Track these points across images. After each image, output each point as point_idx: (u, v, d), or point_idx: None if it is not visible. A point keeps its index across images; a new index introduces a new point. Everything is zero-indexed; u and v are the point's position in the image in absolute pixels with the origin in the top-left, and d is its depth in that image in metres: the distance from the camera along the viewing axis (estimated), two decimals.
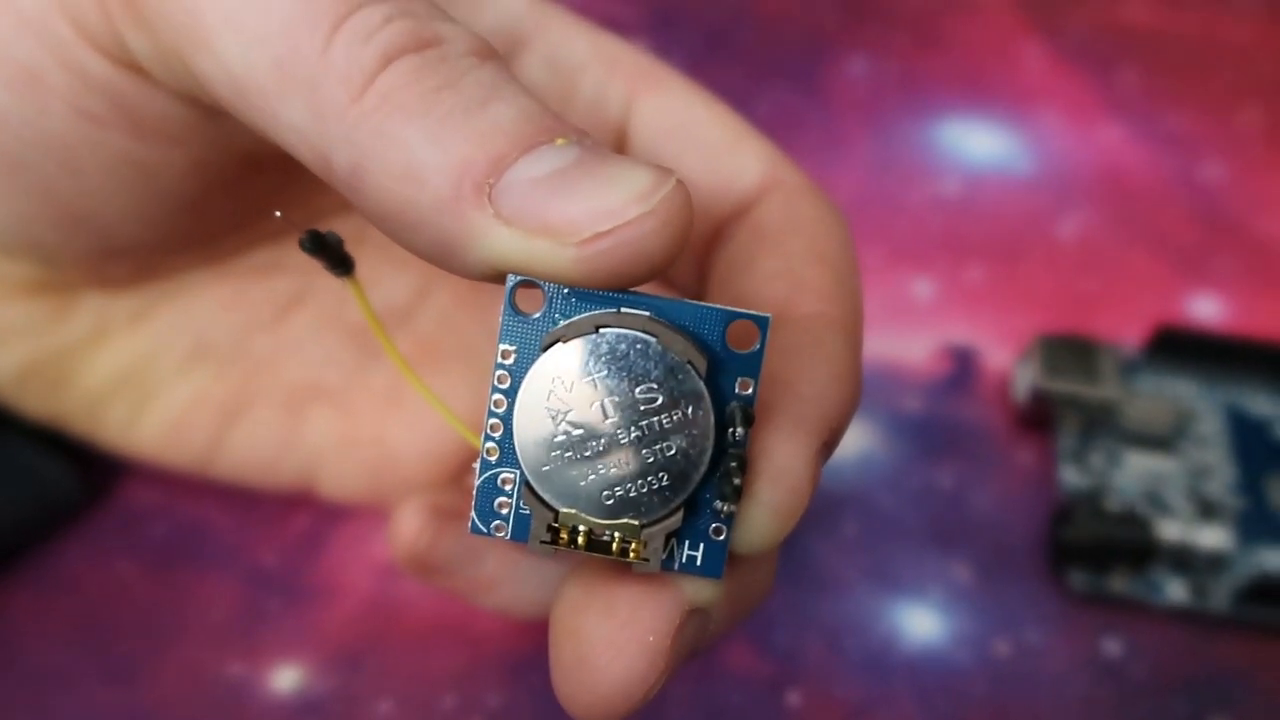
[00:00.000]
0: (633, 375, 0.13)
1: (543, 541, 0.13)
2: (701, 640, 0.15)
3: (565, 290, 0.13)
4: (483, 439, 0.13)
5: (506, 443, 0.13)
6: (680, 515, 0.13)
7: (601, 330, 0.13)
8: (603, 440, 0.13)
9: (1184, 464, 0.25)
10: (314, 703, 0.22)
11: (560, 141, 0.13)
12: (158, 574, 0.24)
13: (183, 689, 0.22)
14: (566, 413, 0.13)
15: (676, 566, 0.14)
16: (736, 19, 0.36)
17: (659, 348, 0.12)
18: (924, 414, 0.27)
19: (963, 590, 0.24)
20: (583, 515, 0.13)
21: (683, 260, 0.18)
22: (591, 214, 0.12)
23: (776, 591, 0.24)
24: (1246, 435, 0.26)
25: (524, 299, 0.13)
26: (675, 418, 0.13)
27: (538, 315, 0.13)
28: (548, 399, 0.13)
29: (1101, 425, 0.26)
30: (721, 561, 0.13)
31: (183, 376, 0.22)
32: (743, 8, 0.37)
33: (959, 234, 0.31)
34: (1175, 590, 0.24)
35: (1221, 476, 0.25)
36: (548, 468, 0.13)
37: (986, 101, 0.34)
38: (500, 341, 0.13)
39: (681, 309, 0.13)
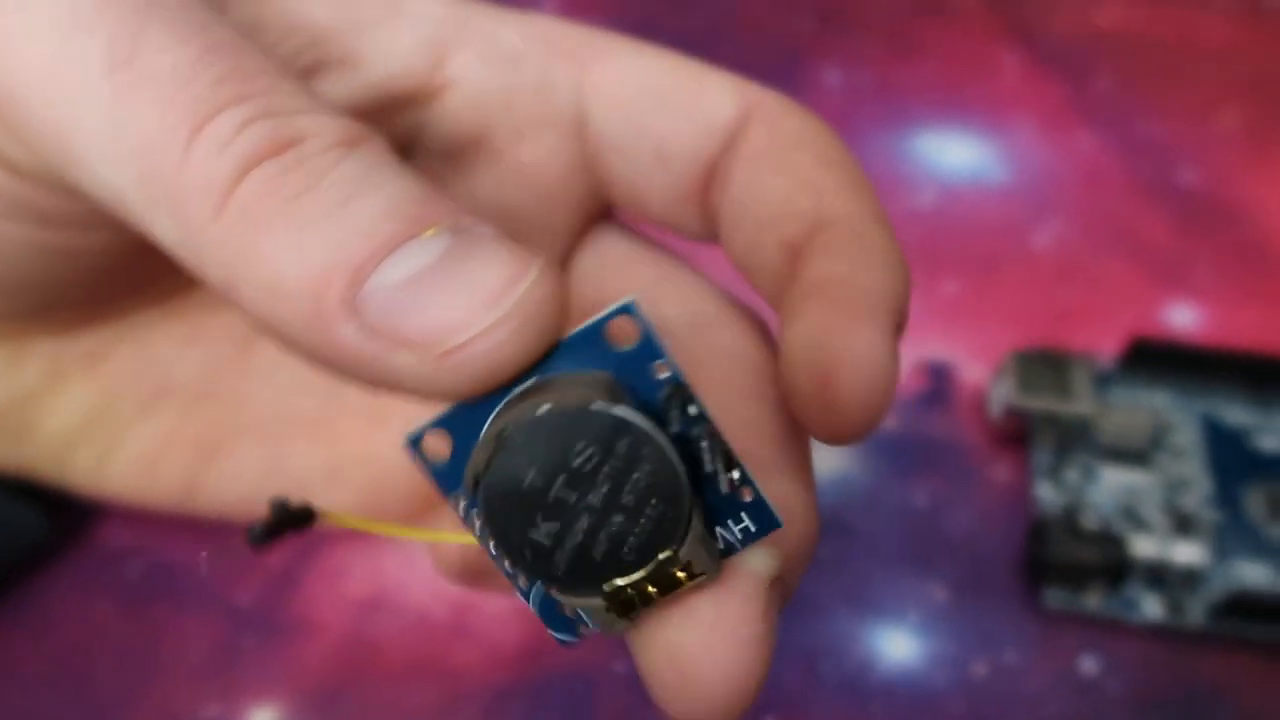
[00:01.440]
0: (561, 451, 0.12)
1: (622, 623, 0.13)
2: (784, 602, 0.14)
3: (456, 412, 0.12)
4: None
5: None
6: (698, 517, 0.12)
7: (506, 438, 0.12)
8: (582, 519, 0.12)
9: (1160, 477, 0.25)
10: None
11: (429, 233, 0.12)
12: (134, 613, 0.24)
13: None
14: (535, 523, 0.12)
15: (739, 546, 0.13)
16: (712, 30, 0.36)
17: (557, 412, 0.12)
18: (900, 432, 0.27)
19: (939, 611, 0.24)
20: (620, 580, 0.12)
21: (687, 216, 0.18)
22: (444, 325, 0.12)
23: None
24: (1222, 446, 0.26)
25: (431, 446, 0.13)
26: (623, 452, 0.12)
27: (448, 456, 0.12)
28: (511, 530, 0.12)
29: (1077, 440, 0.26)
30: (769, 509, 0.13)
31: (149, 415, 0.22)
32: (718, 19, 0.37)
33: (935, 247, 0.31)
34: (1151, 607, 0.24)
35: (1198, 489, 0.25)
36: (560, 573, 0.12)
37: (962, 110, 0.34)
38: (445, 497, 0.13)
39: (560, 355, 0.12)
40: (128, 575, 0.24)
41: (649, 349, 0.12)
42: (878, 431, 0.27)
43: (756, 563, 0.13)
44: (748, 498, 0.12)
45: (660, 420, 0.12)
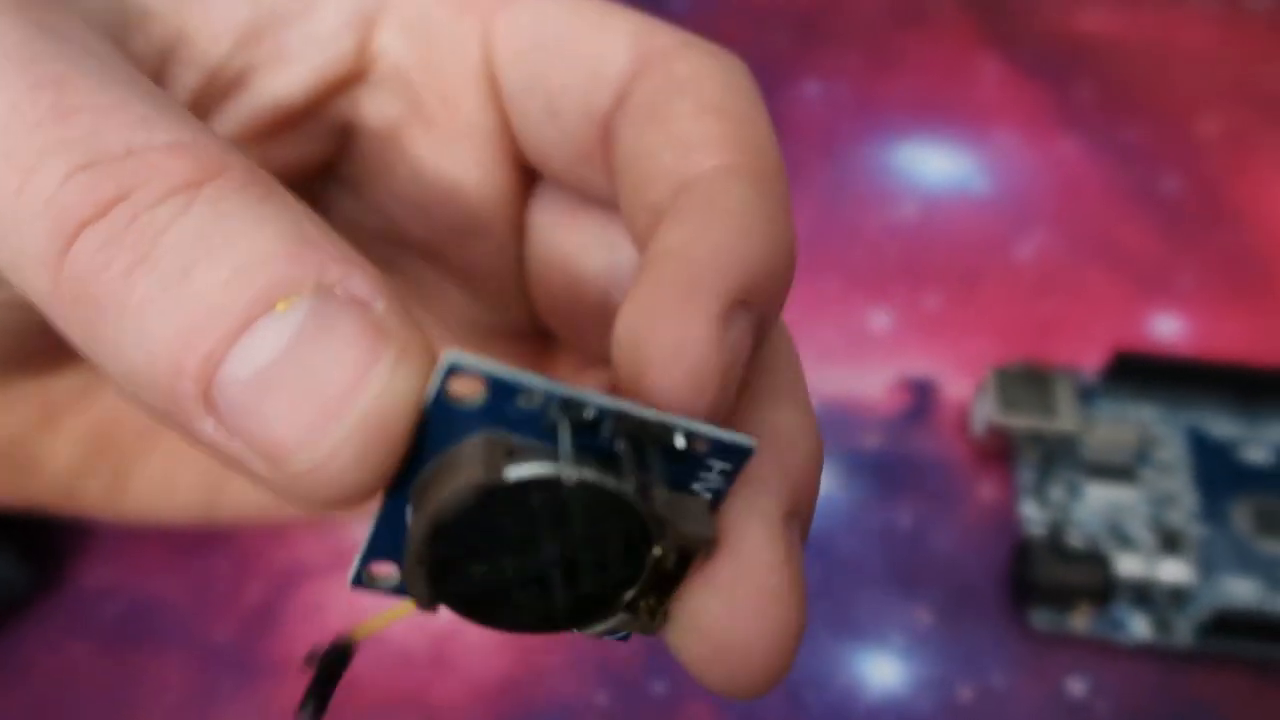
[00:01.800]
0: (490, 537, 0.11)
1: (655, 622, 0.12)
2: (805, 535, 0.13)
3: (376, 535, 0.11)
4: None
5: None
6: (665, 498, 0.11)
7: (427, 557, 0.11)
8: (554, 573, 0.11)
9: (1145, 492, 0.25)
10: None
11: (281, 306, 0.11)
12: (112, 655, 0.24)
13: None
14: (513, 600, 0.11)
15: (725, 489, 0.12)
16: None
17: (454, 509, 0.11)
18: (882, 451, 0.27)
19: (924, 634, 0.24)
20: (627, 596, 0.12)
21: (591, 177, 0.16)
22: (287, 442, 0.11)
23: None
24: (1208, 459, 0.26)
25: (378, 572, 0.12)
26: (544, 505, 0.11)
27: (390, 580, 0.12)
28: (496, 613, 0.12)
29: (1061, 456, 0.26)
30: (733, 442, 0.11)
31: (155, 438, 0.21)
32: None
33: (917, 260, 0.31)
34: (1138, 626, 0.23)
35: (1184, 504, 0.25)
36: (564, 622, 0.12)
37: (942, 120, 0.34)
38: (425, 610, 0.12)
39: (431, 432, 0.11)
40: (105, 615, 0.24)
41: (503, 390, 0.11)
42: (860, 451, 0.27)
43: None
44: (704, 448, 0.11)
45: (557, 446, 0.11)
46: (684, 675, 0.23)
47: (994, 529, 0.25)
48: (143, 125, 0.12)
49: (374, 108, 0.17)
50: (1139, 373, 0.26)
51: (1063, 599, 0.23)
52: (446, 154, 0.17)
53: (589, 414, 0.11)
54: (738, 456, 0.12)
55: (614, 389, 0.12)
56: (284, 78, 0.16)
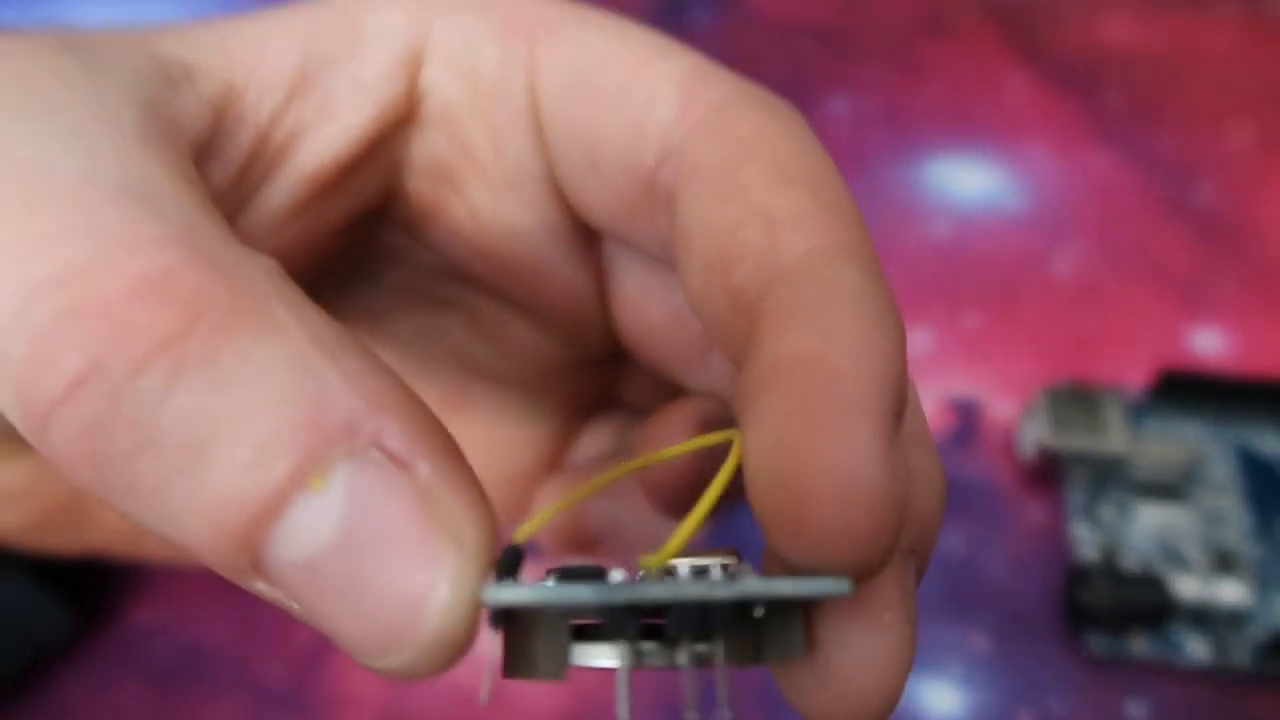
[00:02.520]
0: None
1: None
2: (921, 575, 0.13)
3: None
4: None
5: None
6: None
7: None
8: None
9: (1197, 512, 0.25)
10: None
11: (315, 485, 0.10)
12: (161, 696, 0.23)
13: None
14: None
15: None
16: (716, 62, 0.36)
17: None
18: None
19: (981, 660, 0.24)
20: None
21: (638, 236, 0.15)
22: (358, 645, 0.10)
23: None
24: (1259, 476, 0.26)
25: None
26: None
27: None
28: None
29: (1111, 477, 0.25)
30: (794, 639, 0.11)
31: None
32: (719, 50, 0.37)
33: (954, 279, 0.31)
34: (1196, 648, 0.23)
35: (1236, 523, 0.25)
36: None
37: (972, 135, 0.34)
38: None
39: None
40: (155, 657, 0.24)
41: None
42: None
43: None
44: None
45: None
46: (742, 709, 0.23)
47: (1045, 552, 0.25)
48: (107, 252, 0.10)
49: (424, 149, 0.17)
50: (1186, 391, 0.26)
51: (1119, 622, 0.23)
52: (501, 197, 0.17)
53: (652, 605, 0.10)
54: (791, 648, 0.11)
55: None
56: (335, 131, 0.16)
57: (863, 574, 0.10)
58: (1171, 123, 0.34)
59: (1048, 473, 0.26)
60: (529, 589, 0.10)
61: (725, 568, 0.11)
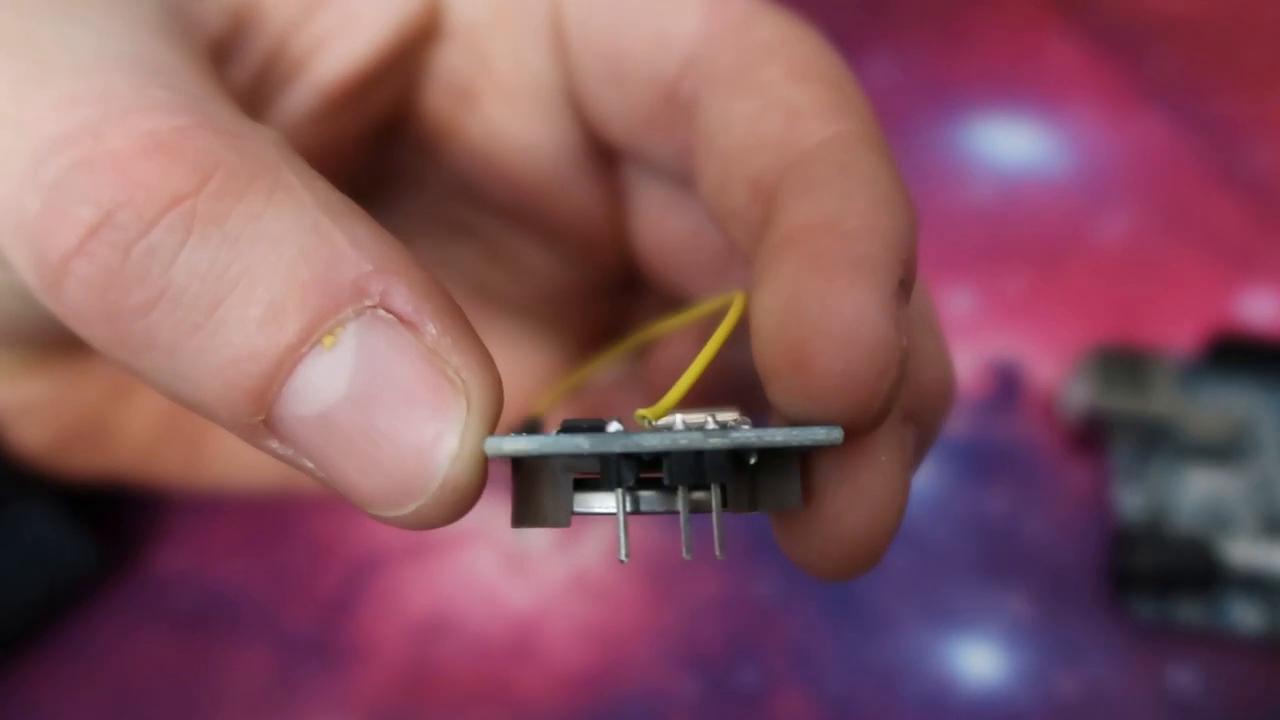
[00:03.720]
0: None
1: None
2: (924, 454, 0.13)
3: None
4: None
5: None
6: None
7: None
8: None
9: (1248, 478, 0.24)
10: None
11: (326, 342, 0.10)
12: (187, 642, 0.23)
13: None
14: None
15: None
16: None
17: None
18: (969, 436, 0.26)
19: (1021, 624, 0.23)
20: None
21: (656, 148, 0.15)
22: (368, 495, 0.11)
23: (823, 633, 0.23)
24: None
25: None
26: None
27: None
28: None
29: (1158, 441, 0.25)
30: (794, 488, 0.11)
31: None
32: None
33: (996, 241, 0.30)
34: (1247, 616, 0.22)
35: None
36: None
37: (1016, 98, 0.33)
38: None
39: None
40: (179, 603, 0.24)
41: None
42: (946, 437, 0.26)
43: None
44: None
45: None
46: (773, 664, 0.23)
47: (1088, 516, 0.25)
48: (119, 114, 0.11)
49: (444, 66, 0.16)
50: (1239, 356, 0.25)
51: (1165, 586, 0.23)
52: (520, 114, 0.16)
53: (647, 454, 0.11)
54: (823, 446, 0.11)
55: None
56: (355, 43, 0.16)
57: (859, 422, 0.11)
58: (1223, 87, 0.33)
59: (1092, 436, 0.25)
60: (528, 439, 0.10)
61: (723, 424, 0.11)
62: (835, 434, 0.10)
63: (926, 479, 0.25)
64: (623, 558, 0.11)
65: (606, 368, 0.16)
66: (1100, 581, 0.24)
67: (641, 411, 0.11)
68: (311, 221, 0.11)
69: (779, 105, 0.13)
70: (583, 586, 0.24)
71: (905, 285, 0.11)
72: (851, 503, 0.12)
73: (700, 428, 0.11)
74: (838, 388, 0.10)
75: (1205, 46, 0.34)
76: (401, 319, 0.11)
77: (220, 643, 0.23)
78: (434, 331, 0.11)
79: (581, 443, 0.10)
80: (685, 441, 0.10)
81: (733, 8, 0.14)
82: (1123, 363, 0.25)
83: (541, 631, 0.23)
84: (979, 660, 0.23)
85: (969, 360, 0.27)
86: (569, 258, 0.18)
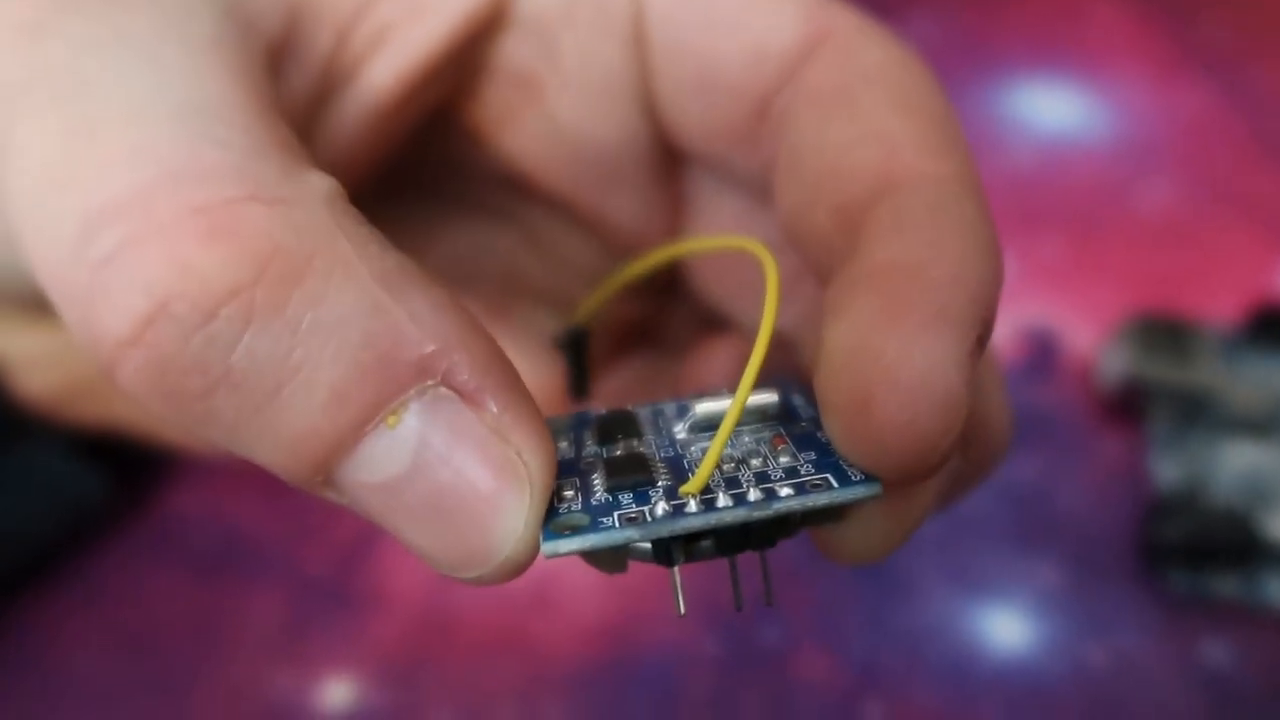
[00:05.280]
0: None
1: None
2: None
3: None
4: None
5: None
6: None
7: None
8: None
9: None
10: (368, 716, 0.21)
11: (390, 422, 0.10)
12: (201, 583, 0.23)
13: (228, 703, 0.21)
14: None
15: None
16: None
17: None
18: None
19: (1051, 593, 0.23)
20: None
21: (735, 158, 0.15)
22: (431, 557, 0.11)
23: (848, 596, 0.23)
24: None
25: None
26: None
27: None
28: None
29: (1197, 412, 0.24)
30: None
31: None
32: None
33: (1034, 207, 0.29)
34: None
35: None
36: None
37: (1058, 61, 0.32)
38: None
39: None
40: (195, 543, 0.23)
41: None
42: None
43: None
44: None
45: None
46: (796, 624, 0.22)
47: (1123, 486, 0.24)
48: (170, 182, 0.10)
49: (508, 55, 0.16)
50: None
51: (1201, 559, 0.22)
52: (586, 109, 0.16)
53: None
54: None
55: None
56: (419, 35, 0.15)
57: (913, 474, 0.10)
58: (1272, 57, 0.32)
59: (1129, 405, 0.24)
60: (582, 538, 0.10)
61: (767, 491, 0.11)
62: (876, 489, 0.11)
63: None
64: (680, 612, 0.11)
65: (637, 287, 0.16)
66: (1133, 553, 0.23)
67: (684, 489, 0.11)
68: (372, 301, 0.10)
69: (878, 136, 0.12)
70: None
71: (982, 341, 0.11)
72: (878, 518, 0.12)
73: (743, 496, 0.11)
74: (898, 437, 0.10)
75: (1256, 16, 0.33)
76: (464, 396, 0.11)
77: (234, 585, 0.23)
78: (495, 410, 0.11)
79: (632, 534, 0.10)
80: (730, 519, 0.11)
81: (836, 23, 0.14)
82: (1163, 331, 0.24)
83: (561, 583, 0.23)
84: (1006, 628, 0.22)
85: (1004, 326, 0.27)
86: (613, 254, 0.18)
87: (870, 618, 0.22)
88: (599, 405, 0.14)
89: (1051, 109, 0.31)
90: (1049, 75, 0.32)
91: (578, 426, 0.13)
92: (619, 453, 0.12)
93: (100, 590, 0.23)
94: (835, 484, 0.11)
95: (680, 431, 0.13)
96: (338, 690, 0.21)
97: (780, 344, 0.16)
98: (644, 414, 0.13)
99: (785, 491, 0.11)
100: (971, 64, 0.32)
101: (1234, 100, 0.31)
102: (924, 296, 0.11)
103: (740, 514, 0.11)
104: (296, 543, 0.23)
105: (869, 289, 0.11)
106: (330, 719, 0.21)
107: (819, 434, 0.12)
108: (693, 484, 0.11)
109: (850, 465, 0.11)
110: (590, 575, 0.23)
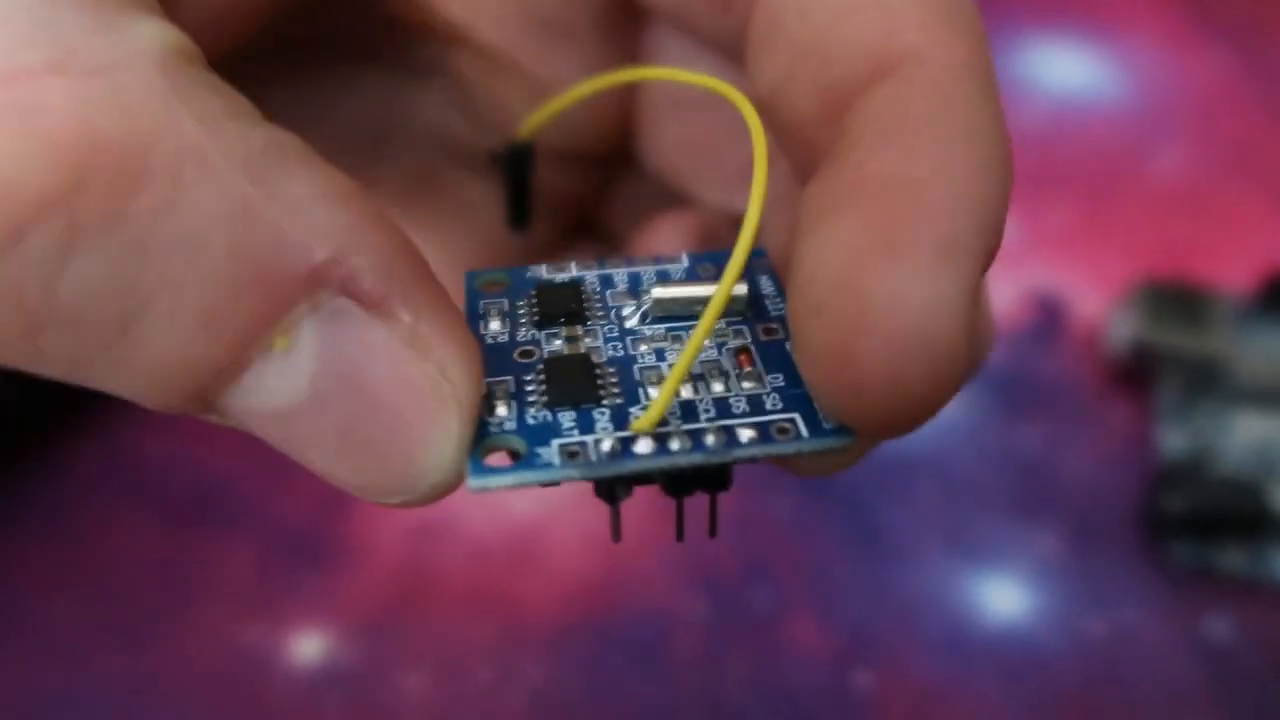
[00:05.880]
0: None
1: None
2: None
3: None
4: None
5: None
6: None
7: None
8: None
9: None
10: (339, 672, 0.20)
11: (279, 345, 0.09)
12: (174, 533, 0.22)
13: (198, 656, 0.20)
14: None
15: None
16: None
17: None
18: (1007, 368, 0.25)
19: (1050, 562, 0.22)
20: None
21: (701, 14, 0.13)
22: (344, 482, 0.09)
23: (840, 560, 0.22)
24: None
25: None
26: None
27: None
28: None
29: (1207, 381, 0.23)
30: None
31: None
32: None
33: (1044, 170, 0.28)
34: None
35: None
36: None
37: (1072, 21, 0.31)
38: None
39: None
40: (168, 490, 0.22)
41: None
42: (984, 371, 0.25)
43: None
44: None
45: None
46: (787, 588, 0.21)
47: (1128, 455, 0.23)
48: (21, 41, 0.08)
49: None
50: None
51: (1207, 531, 0.21)
52: None
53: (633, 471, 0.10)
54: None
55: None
56: None
57: (895, 432, 0.09)
58: None
59: (1137, 372, 0.24)
60: (516, 473, 0.09)
61: (724, 431, 0.10)
62: (849, 440, 0.10)
63: (958, 409, 0.24)
64: (617, 540, 0.10)
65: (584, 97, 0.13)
66: (1137, 524, 0.22)
67: (635, 425, 0.10)
68: (238, 200, 0.08)
69: (879, 5, 0.10)
70: (591, 497, 0.23)
71: (984, 267, 0.09)
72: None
73: (699, 438, 0.10)
74: (886, 393, 0.09)
75: None
76: (368, 305, 0.09)
77: (207, 534, 0.22)
78: (408, 319, 0.09)
79: (571, 471, 0.09)
80: (685, 463, 0.09)
81: None
82: (1174, 297, 0.23)
83: (545, 541, 0.22)
84: (1003, 596, 0.21)
85: (1010, 290, 0.26)
86: (555, 118, 0.15)
87: (863, 583, 0.21)
88: (538, 262, 0.12)
89: (1065, 71, 0.30)
90: (1063, 36, 0.31)
91: (513, 292, 0.12)
92: (560, 346, 0.11)
93: (66, 536, 0.22)
94: (805, 432, 0.10)
95: (632, 318, 0.11)
96: (309, 645, 0.21)
97: (737, 221, 0.14)
98: (590, 280, 0.12)
99: (747, 435, 0.10)
100: (984, 22, 0.31)
101: (1251, 67, 0.30)
102: (925, 222, 0.09)
103: (696, 458, 0.09)
104: (271, 492, 0.22)
105: (858, 206, 0.09)
106: (300, 674, 0.20)
107: (788, 344, 0.11)
108: (645, 420, 0.09)
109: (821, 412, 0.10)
110: (574, 532, 0.22)
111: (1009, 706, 0.20)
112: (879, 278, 0.09)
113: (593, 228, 0.17)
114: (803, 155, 0.11)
